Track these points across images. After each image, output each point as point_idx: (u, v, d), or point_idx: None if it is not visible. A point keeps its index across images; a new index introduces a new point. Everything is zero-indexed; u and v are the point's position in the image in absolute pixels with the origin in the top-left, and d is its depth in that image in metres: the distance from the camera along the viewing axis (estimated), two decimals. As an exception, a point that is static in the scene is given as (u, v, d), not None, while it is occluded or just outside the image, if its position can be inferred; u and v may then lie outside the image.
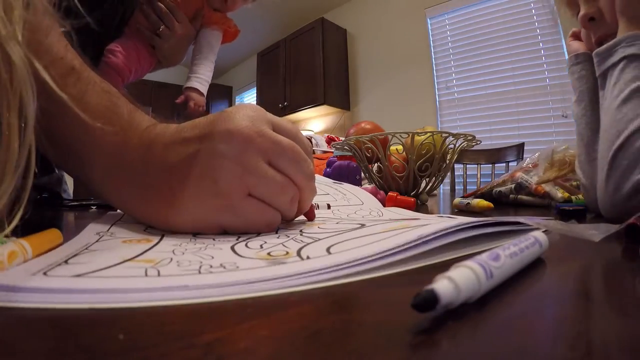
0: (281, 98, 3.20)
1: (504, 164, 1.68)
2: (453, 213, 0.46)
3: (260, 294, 0.13)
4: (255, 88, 3.68)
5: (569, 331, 0.11)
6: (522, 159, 1.34)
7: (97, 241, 0.20)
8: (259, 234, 0.24)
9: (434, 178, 0.68)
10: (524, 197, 0.60)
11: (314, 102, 2.93)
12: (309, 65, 2.95)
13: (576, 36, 0.50)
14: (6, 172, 0.16)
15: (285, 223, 0.28)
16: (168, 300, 0.12)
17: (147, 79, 0.91)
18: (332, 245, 0.18)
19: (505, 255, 0.14)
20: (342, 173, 0.70)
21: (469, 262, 0.12)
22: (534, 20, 2.07)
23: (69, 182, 0.77)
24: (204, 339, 0.09)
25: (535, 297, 0.14)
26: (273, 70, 3.35)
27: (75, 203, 0.55)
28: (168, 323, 0.11)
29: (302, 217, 0.30)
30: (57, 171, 0.72)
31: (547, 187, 0.57)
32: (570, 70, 0.49)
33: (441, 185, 0.76)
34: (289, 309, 0.12)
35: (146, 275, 0.14)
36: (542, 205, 0.58)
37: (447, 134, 0.63)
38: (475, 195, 0.66)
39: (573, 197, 0.54)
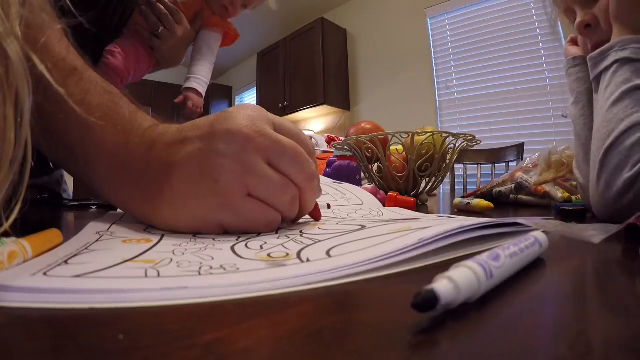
0: (281, 98, 3.20)
1: (504, 164, 1.68)
2: (453, 213, 0.46)
3: (260, 293, 0.13)
4: (255, 88, 3.68)
5: (569, 331, 0.11)
6: (522, 159, 1.34)
7: (97, 241, 0.20)
8: (259, 234, 0.24)
9: (434, 178, 0.68)
10: (524, 197, 0.60)
11: (314, 102, 2.93)
12: (309, 65, 2.95)
13: (574, 42, 0.51)
14: (2, 165, 0.16)
15: (288, 223, 0.28)
16: (168, 301, 0.12)
17: (147, 79, 0.91)
18: (333, 248, 0.18)
19: (505, 255, 0.14)
20: (342, 173, 0.70)
21: (469, 262, 0.12)
22: (534, 20, 2.07)
23: (69, 182, 0.77)
24: (204, 339, 0.09)
25: (535, 297, 0.14)
26: (273, 70, 3.35)
27: (75, 203, 0.55)
28: (168, 323, 0.11)
29: (306, 217, 0.30)
30: (57, 171, 0.72)
31: (547, 187, 0.57)
32: (568, 72, 0.50)
33: (441, 185, 0.76)
34: (289, 309, 0.12)
35: (146, 276, 0.14)
36: (542, 205, 0.58)
37: (447, 134, 0.63)
38: (476, 195, 0.66)
39: (573, 197, 0.54)
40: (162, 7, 0.69)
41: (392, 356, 0.09)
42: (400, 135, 0.62)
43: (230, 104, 4.19)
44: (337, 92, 2.97)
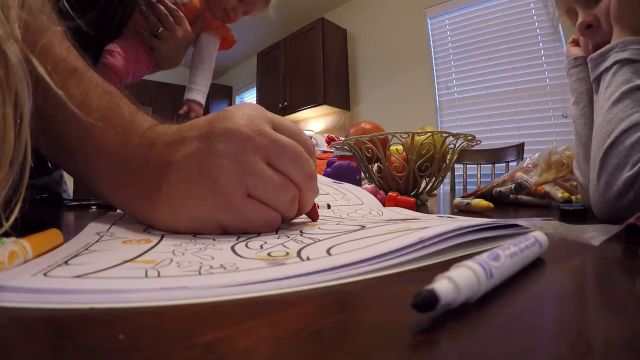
0: (281, 98, 3.20)
1: (504, 164, 1.68)
2: (453, 213, 0.46)
3: (260, 293, 0.13)
4: (255, 88, 3.68)
5: (569, 331, 0.11)
6: (522, 159, 1.34)
7: (97, 241, 0.20)
8: (259, 234, 0.24)
9: (434, 178, 0.68)
10: (524, 197, 0.60)
11: (314, 102, 2.93)
12: (309, 65, 2.95)
13: (576, 42, 0.52)
14: (2, 165, 0.16)
15: (286, 223, 0.28)
16: (168, 301, 0.12)
17: (147, 79, 0.91)
18: (333, 247, 0.18)
19: (505, 255, 0.14)
20: (342, 173, 0.70)
21: (469, 262, 0.12)
22: (534, 20, 2.07)
23: (69, 182, 0.77)
24: (204, 339, 0.09)
25: (535, 297, 0.14)
26: (273, 70, 3.35)
27: (75, 203, 0.55)
28: (168, 323, 0.11)
29: (303, 217, 0.30)
30: (56, 171, 0.72)
31: (547, 187, 0.57)
32: (569, 72, 0.50)
33: (441, 185, 0.76)
34: (289, 309, 0.12)
35: (146, 276, 0.14)
36: (542, 205, 0.58)
37: (447, 134, 0.63)
38: (475, 195, 0.66)
39: (573, 197, 0.54)
40: (162, 7, 0.69)
41: (392, 356, 0.09)
42: (400, 135, 0.62)
43: (230, 104, 4.18)
44: (337, 92, 2.97)
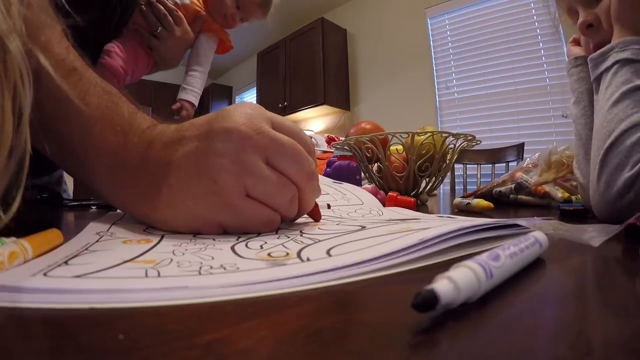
0: (281, 98, 3.20)
1: (504, 164, 1.68)
2: (453, 213, 0.46)
3: (260, 294, 0.13)
4: (255, 88, 3.68)
5: (569, 331, 0.11)
6: (522, 159, 1.34)
7: (97, 241, 0.20)
8: (259, 234, 0.24)
9: (434, 178, 0.68)
10: (524, 197, 0.60)
11: (314, 102, 2.93)
12: (309, 65, 2.95)
13: (577, 42, 0.52)
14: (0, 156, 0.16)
15: (287, 223, 0.28)
16: (168, 301, 0.12)
17: (147, 79, 0.92)
18: (333, 247, 0.18)
19: (505, 255, 0.14)
20: (342, 173, 0.70)
21: (469, 262, 0.12)
22: (534, 20, 2.07)
23: (69, 182, 0.77)
24: (204, 339, 0.09)
25: (535, 297, 0.14)
26: (273, 70, 3.35)
27: (75, 203, 0.55)
28: (168, 323, 0.11)
29: (305, 217, 0.30)
30: (56, 171, 0.72)
31: (547, 187, 0.57)
32: (569, 72, 0.50)
33: (441, 185, 0.76)
34: (289, 309, 0.12)
35: (146, 276, 0.14)
36: (542, 205, 0.58)
37: (447, 134, 0.63)
38: (475, 195, 0.66)
39: (573, 197, 0.54)
40: (162, 8, 0.70)
41: (392, 356, 0.09)
42: (400, 135, 0.62)
43: (230, 104, 4.17)
44: (337, 92, 2.97)
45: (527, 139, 1.77)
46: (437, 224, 0.21)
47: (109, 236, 0.21)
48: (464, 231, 0.19)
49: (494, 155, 1.71)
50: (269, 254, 0.17)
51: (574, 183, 0.55)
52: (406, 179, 0.65)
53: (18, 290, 0.12)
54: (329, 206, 0.41)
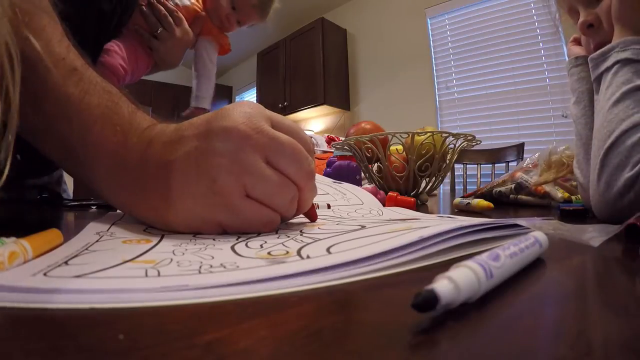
0: (281, 98, 3.20)
1: (504, 164, 1.68)
2: (453, 213, 0.46)
3: (260, 293, 0.13)
4: (255, 88, 3.68)
5: (569, 331, 0.11)
6: (522, 159, 1.34)
7: (97, 241, 0.20)
8: (259, 233, 0.23)
9: (434, 178, 0.68)
10: (524, 197, 0.60)
11: (314, 102, 2.93)
12: (309, 65, 2.95)
13: (577, 42, 0.52)
14: None
15: (285, 223, 0.28)
16: (168, 301, 0.12)
17: (147, 79, 0.92)
18: (332, 246, 0.18)
19: (505, 255, 0.14)
20: (342, 173, 0.70)
21: (469, 262, 0.12)
22: (534, 20, 2.07)
23: (69, 182, 0.77)
24: (204, 339, 0.09)
25: (535, 297, 0.14)
26: (273, 70, 3.35)
27: (75, 203, 0.55)
28: (168, 323, 0.11)
29: (301, 217, 0.30)
30: (56, 171, 0.72)
31: (547, 187, 0.57)
32: (570, 72, 0.50)
33: (441, 185, 0.76)
34: (289, 309, 0.12)
35: (146, 275, 0.14)
36: (542, 205, 0.58)
37: (447, 134, 0.63)
38: (475, 195, 0.66)
39: (573, 197, 0.54)
40: (162, 8, 0.70)
41: (392, 356, 0.09)
42: (400, 135, 0.62)
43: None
44: (337, 92, 2.97)
45: (527, 139, 1.77)
46: (437, 224, 0.21)
47: (109, 236, 0.21)
48: (464, 231, 0.19)
49: (494, 155, 1.71)
50: (268, 253, 0.17)
51: (574, 183, 0.55)
52: (406, 179, 0.65)
53: (18, 290, 0.12)
54: (328, 206, 0.41)
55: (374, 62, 2.90)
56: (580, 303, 0.14)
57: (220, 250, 0.18)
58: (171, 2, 0.72)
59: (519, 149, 1.66)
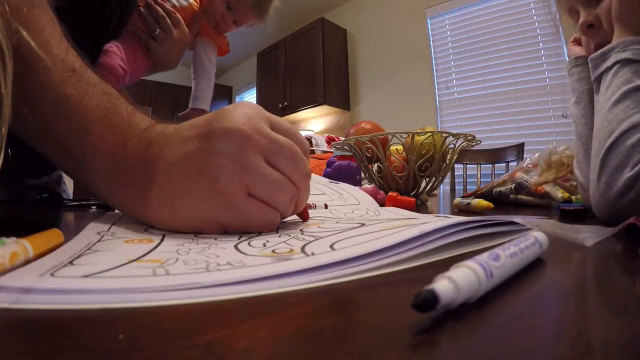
0: (281, 98, 3.20)
1: (504, 164, 1.68)
2: (453, 213, 0.46)
3: (260, 293, 0.13)
4: (255, 88, 3.68)
5: (569, 331, 0.11)
6: (522, 159, 1.34)
7: (98, 241, 0.20)
8: (259, 233, 0.24)
9: (434, 178, 0.68)
10: (524, 197, 0.60)
11: (314, 102, 2.93)
12: (309, 65, 2.95)
13: (577, 42, 0.52)
14: None
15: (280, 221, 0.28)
16: (180, 300, 0.12)
17: (147, 79, 0.92)
18: (335, 243, 0.19)
19: (505, 255, 0.14)
20: (342, 173, 0.70)
21: (469, 262, 0.12)
22: (534, 20, 2.07)
23: (69, 182, 0.77)
24: (204, 339, 0.09)
25: (535, 297, 0.14)
26: (273, 70, 3.35)
27: (75, 203, 0.55)
28: (168, 323, 0.11)
29: (294, 217, 0.30)
30: (56, 170, 0.72)
31: (547, 187, 0.57)
32: (570, 72, 0.50)
33: (441, 185, 0.76)
34: (289, 309, 0.12)
35: (155, 274, 0.14)
36: (542, 205, 0.58)
37: (447, 134, 0.63)
38: (475, 195, 0.66)
39: (573, 197, 0.54)
40: (160, 9, 0.70)
41: (392, 356, 0.09)
42: (400, 135, 0.62)
43: (230, 104, 4.19)
44: (337, 92, 2.97)
45: (527, 139, 1.77)
46: (435, 221, 0.21)
47: (110, 236, 0.21)
48: (463, 227, 0.19)
49: (494, 155, 1.71)
50: (273, 251, 0.18)
51: (574, 183, 0.55)
52: (406, 179, 0.65)
53: (27, 292, 0.12)
54: (326, 206, 0.41)
55: (374, 62, 2.90)
56: (581, 303, 0.14)
57: (223, 249, 0.18)
58: (169, 3, 0.72)
59: (519, 149, 1.66)
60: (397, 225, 0.22)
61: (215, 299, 0.12)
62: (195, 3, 0.76)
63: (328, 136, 1.52)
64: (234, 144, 0.22)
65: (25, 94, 0.23)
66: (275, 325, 0.10)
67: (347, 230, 0.22)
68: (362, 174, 0.74)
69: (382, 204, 0.52)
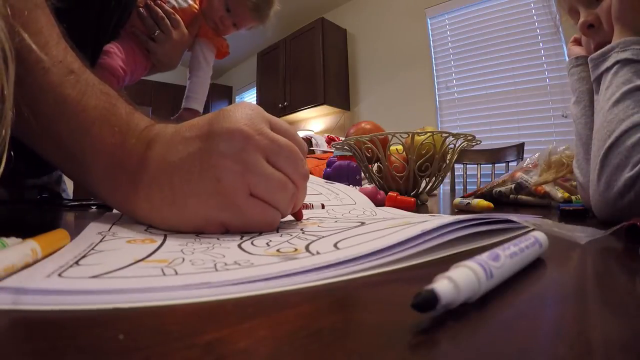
0: (281, 98, 3.20)
1: (504, 164, 1.68)
2: (453, 213, 0.46)
3: (260, 292, 0.13)
4: (255, 88, 3.68)
5: (569, 331, 0.11)
6: (522, 159, 1.34)
7: (100, 241, 0.20)
8: (260, 232, 0.24)
9: (434, 178, 0.68)
10: (524, 197, 0.60)
11: (314, 102, 2.93)
12: (309, 65, 2.95)
13: (577, 42, 0.52)
14: None
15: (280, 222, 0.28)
16: (191, 299, 0.12)
17: (147, 79, 0.92)
18: (339, 242, 0.19)
19: (505, 255, 0.14)
20: (342, 173, 0.70)
21: (469, 262, 0.12)
22: (534, 20, 2.07)
23: (69, 182, 0.77)
24: (204, 339, 0.09)
25: (535, 297, 0.14)
26: (273, 70, 3.35)
27: (75, 203, 0.55)
28: (168, 323, 0.11)
29: (289, 217, 0.30)
30: (55, 170, 0.72)
31: (547, 187, 0.57)
32: (570, 72, 0.50)
33: (441, 185, 0.76)
34: (289, 308, 0.12)
35: (164, 274, 0.14)
36: (542, 205, 0.58)
37: (447, 134, 0.63)
38: (475, 195, 0.66)
39: (573, 197, 0.54)
40: (159, 10, 0.69)
41: (392, 356, 0.09)
42: (400, 135, 0.62)
43: (230, 104, 4.20)
44: (337, 92, 2.97)
45: (527, 139, 1.77)
46: (433, 219, 0.21)
47: (112, 236, 0.21)
48: (462, 225, 0.19)
49: (494, 155, 1.71)
50: (277, 250, 0.18)
51: (574, 183, 0.55)
52: (406, 179, 0.65)
53: (35, 292, 0.12)
54: (323, 206, 0.41)
55: (374, 62, 2.90)
56: (580, 303, 0.14)
57: (228, 249, 0.18)
58: (168, 5, 0.72)
59: (519, 149, 1.66)
60: (399, 223, 0.22)
61: (216, 299, 0.12)
62: (194, 4, 0.76)
63: (328, 136, 1.52)
64: (235, 145, 0.22)
65: (25, 95, 0.23)
66: (275, 325, 0.10)
67: (348, 230, 0.23)
68: (362, 174, 0.74)
69: (382, 204, 0.52)
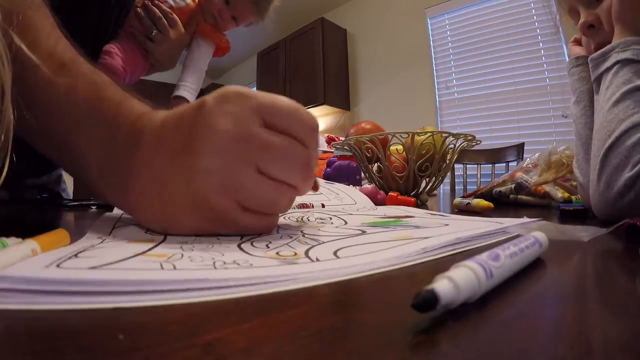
0: (281, 98, 3.20)
1: (504, 164, 1.68)
2: (453, 213, 0.46)
3: (260, 292, 0.13)
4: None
5: (569, 331, 0.11)
6: (522, 159, 1.34)
7: (101, 242, 0.20)
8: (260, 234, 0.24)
9: (434, 178, 0.68)
10: (524, 197, 0.60)
11: (314, 102, 2.93)
12: (309, 65, 2.95)
13: (578, 42, 0.52)
14: None
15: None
16: (192, 299, 0.12)
17: (146, 79, 0.91)
18: (339, 249, 0.19)
19: (505, 255, 0.14)
20: (342, 173, 0.70)
21: (469, 262, 0.12)
22: (534, 20, 2.07)
23: (69, 182, 0.77)
24: (204, 339, 0.09)
25: (535, 296, 0.14)
26: (273, 70, 3.35)
27: (75, 203, 0.55)
28: (168, 323, 0.10)
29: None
30: (55, 170, 0.72)
31: (547, 187, 0.57)
32: (570, 72, 0.50)
33: (441, 185, 0.76)
34: (289, 309, 0.12)
35: (162, 268, 0.14)
36: (542, 205, 0.58)
37: (447, 134, 0.63)
38: (475, 195, 0.66)
39: (573, 197, 0.54)
40: (156, 10, 0.69)
41: (392, 356, 0.09)
42: (400, 135, 0.62)
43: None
44: (337, 92, 2.97)
45: (527, 139, 1.77)
46: (432, 224, 0.21)
47: (112, 238, 0.21)
48: (462, 241, 0.20)
49: (494, 155, 1.71)
50: (277, 253, 0.18)
51: (574, 183, 0.55)
52: (406, 179, 0.65)
53: (35, 283, 0.11)
54: (323, 206, 0.41)
55: (374, 62, 2.90)
56: (580, 303, 0.14)
57: (227, 248, 0.18)
58: (166, 4, 0.71)
59: (519, 149, 1.66)
60: (400, 236, 0.22)
61: (215, 299, 0.12)
62: (192, 3, 0.76)
63: (328, 136, 1.52)
64: (218, 161, 0.20)
65: (22, 95, 0.23)
66: (275, 325, 0.10)
67: (349, 237, 0.22)
68: (362, 174, 0.74)
69: (382, 204, 0.52)
